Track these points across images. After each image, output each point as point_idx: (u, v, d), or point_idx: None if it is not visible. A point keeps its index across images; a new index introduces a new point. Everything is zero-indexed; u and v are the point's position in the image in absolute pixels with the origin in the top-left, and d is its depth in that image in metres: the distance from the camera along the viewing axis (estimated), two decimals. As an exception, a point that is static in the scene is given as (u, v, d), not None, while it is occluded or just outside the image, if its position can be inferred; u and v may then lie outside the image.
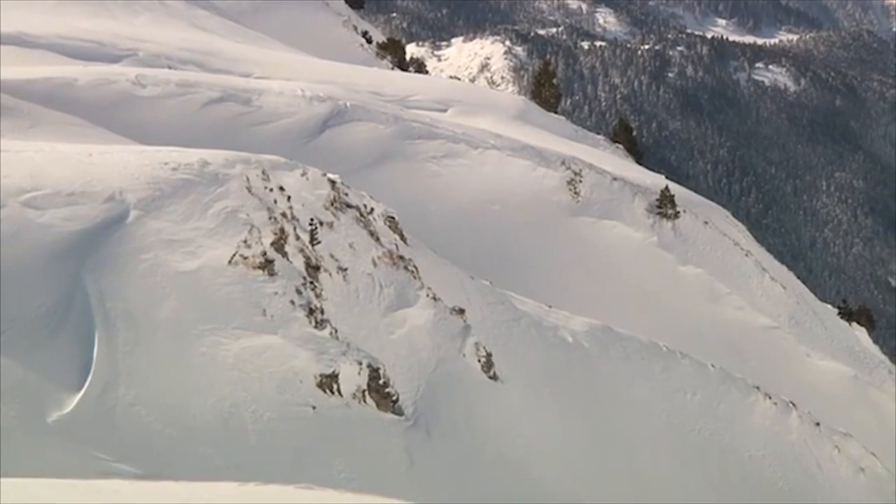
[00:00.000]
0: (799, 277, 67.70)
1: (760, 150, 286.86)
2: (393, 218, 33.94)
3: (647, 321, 44.21)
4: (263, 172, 29.66)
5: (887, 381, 54.43)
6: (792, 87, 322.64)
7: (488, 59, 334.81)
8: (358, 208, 32.33)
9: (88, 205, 25.17)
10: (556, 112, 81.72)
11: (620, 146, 76.34)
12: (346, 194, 32.49)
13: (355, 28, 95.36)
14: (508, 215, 49.85)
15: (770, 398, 38.79)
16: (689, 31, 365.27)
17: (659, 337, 39.42)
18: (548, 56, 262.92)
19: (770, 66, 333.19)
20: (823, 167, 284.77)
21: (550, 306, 37.42)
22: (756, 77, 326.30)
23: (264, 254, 26.45)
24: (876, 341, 71.41)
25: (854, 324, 67.21)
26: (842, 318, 64.97)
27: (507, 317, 34.34)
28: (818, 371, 50.46)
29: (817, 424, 39.52)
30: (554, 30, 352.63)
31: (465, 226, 47.10)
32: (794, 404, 39.49)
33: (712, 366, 38.73)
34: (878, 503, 38.86)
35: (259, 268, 26.14)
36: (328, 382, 24.83)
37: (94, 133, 35.44)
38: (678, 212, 54.95)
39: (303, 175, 31.45)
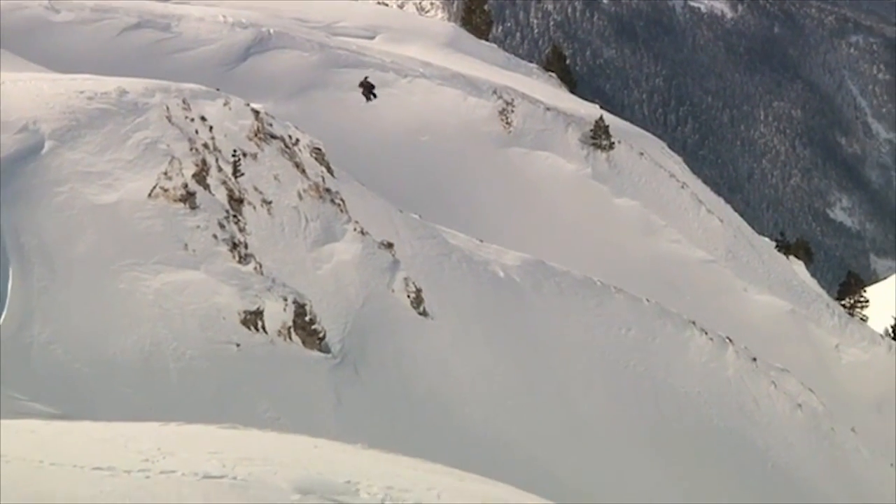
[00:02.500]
0: (736, 210, 68.24)
1: (697, 78, 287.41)
2: (319, 149, 33.82)
3: (581, 255, 44.43)
4: (184, 101, 29.43)
5: (824, 316, 55.04)
6: (729, 13, 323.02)
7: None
8: (282, 139, 32.19)
9: (1, 135, 24.89)
10: (487, 39, 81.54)
11: (553, 75, 76.33)
12: (271, 125, 32.32)
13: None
14: (438, 146, 49.84)
15: (706, 333, 39.13)
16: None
17: (593, 271, 39.63)
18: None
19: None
20: (761, 96, 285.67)
21: (482, 240, 37.52)
22: (692, 3, 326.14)
23: (185, 186, 26.31)
24: (814, 275, 72.25)
25: (792, 257, 67.99)
26: (779, 251, 65.65)
27: (437, 251, 34.40)
28: (755, 305, 50.96)
29: (754, 360, 39.93)
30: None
31: (394, 157, 47.06)
32: (730, 339, 39.86)
33: (647, 300, 39.01)
34: (814, 439, 39.41)
35: (180, 201, 26.00)
36: (252, 319, 24.83)
37: (5, 60, 34.98)
38: (613, 143, 55.13)
39: (225, 104, 31.25)
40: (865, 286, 76.76)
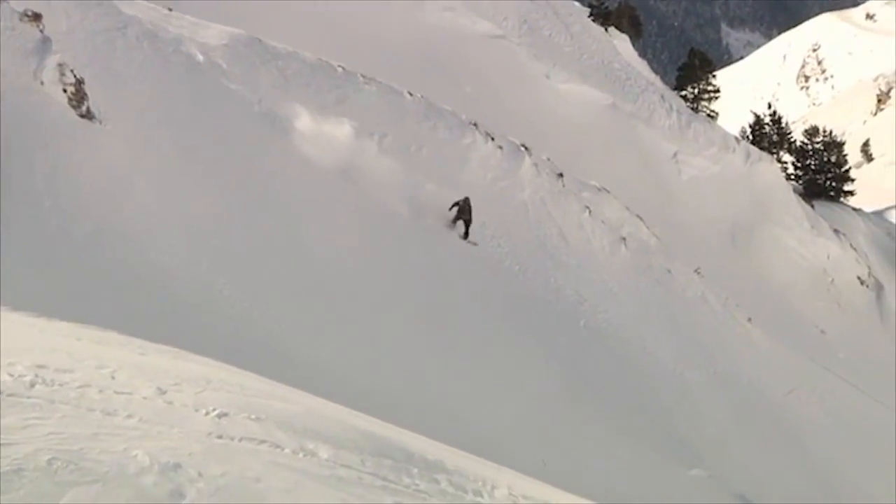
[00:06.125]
0: (533, -39, 68.76)
1: None
2: None
3: (315, 29, 44.34)
4: None
5: (658, 112, 55.63)
6: None
7: None
8: None
9: None
10: None
11: None
12: None
13: None
14: None
15: (492, 139, 39.48)
16: None
17: (332, 53, 39.61)
18: None
19: None
20: None
21: (171, 9, 37.20)
22: None
23: None
24: (643, 54, 73.50)
25: (612, 29, 68.88)
26: (595, 21, 66.42)
27: (106, 25, 33.95)
28: (562, 99, 51.47)
29: (560, 176, 40.45)
30: None
31: None
32: (526, 148, 40.32)
33: (410, 94, 39.20)
34: (644, 285, 40.22)
35: None
36: None
37: None
38: None
39: None
40: (715, 70, 77.89)
